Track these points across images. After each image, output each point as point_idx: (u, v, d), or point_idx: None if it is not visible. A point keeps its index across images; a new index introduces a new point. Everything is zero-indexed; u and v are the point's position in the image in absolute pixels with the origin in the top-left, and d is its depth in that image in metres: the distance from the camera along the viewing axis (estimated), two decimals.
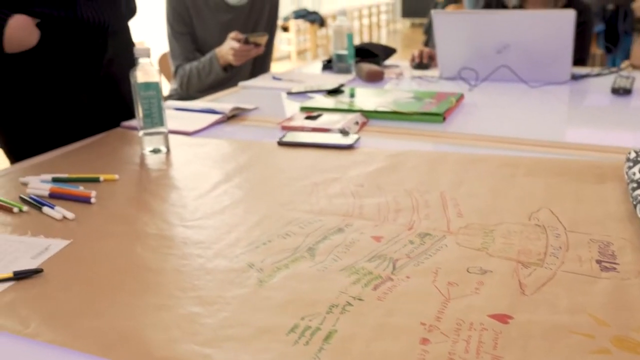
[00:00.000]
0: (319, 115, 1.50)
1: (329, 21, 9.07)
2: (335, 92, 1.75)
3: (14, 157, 1.45)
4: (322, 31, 8.98)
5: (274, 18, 2.42)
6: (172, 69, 2.32)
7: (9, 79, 1.39)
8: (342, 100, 1.66)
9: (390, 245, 0.84)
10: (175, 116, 1.54)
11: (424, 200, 1.00)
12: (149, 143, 1.30)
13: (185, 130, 1.44)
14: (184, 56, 2.29)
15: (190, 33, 2.29)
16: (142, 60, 1.25)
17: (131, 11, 1.54)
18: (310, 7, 9.70)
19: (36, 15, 1.33)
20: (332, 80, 2.00)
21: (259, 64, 2.38)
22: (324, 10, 9.70)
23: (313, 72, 2.25)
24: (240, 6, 2.27)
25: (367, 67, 2.00)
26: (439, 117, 1.46)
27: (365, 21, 10.56)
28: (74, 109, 1.47)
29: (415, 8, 11.64)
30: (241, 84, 2.03)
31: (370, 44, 2.27)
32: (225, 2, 2.26)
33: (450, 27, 1.94)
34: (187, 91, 2.30)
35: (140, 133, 1.30)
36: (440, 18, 1.96)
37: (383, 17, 11.51)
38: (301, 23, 8.34)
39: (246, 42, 2.06)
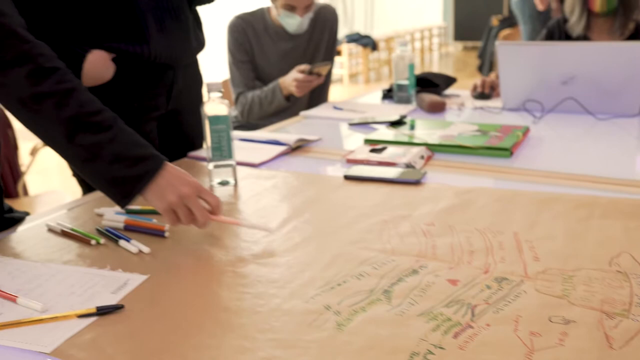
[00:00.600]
0: (383, 148, 1.50)
1: (381, 45, 9.09)
2: (397, 123, 1.75)
3: (87, 185, 1.49)
4: (374, 54, 9.01)
5: (332, 46, 2.44)
6: (233, 96, 2.36)
7: None
8: (405, 132, 1.65)
9: (467, 290, 0.83)
10: (241, 147, 1.56)
11: (498, 241, 0.98)
12: (218, 175, 1.32)
13: (251, 162, 1.46)
14: (245, 84, 2.33)
15: (250, 61, 2.33)
16: (212, 95, 1.28)
17: (200, 44, 1.57)
18: (363, 31, 9.74)
19: (112, 51, 1.37)
20: (393, 110, 2.00)
21: (318, 91, 2.40)
22: (376, 33, 9.73)
23: (373, 101, 2.25)
24: (300, 35, 2.30)
25: (429, 97, 1.99)
26: (506, 152, 1.44)
27: (417, 44, 10.54)
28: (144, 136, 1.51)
29: (468, 31, 11.57)
30: (303, 113, 2.05)
31: (431, 74, 2.27)
32: (286, 31, 2.30)
33: (514, 58, 1.92)
34: (248, 119, 2.33)
35: (209, 165, 1.32)
36: (505, 49, 1.94)
37: (435, 40, 11.48)
38: (353, 47, 8.39)
39: (310, 73, 2.09)
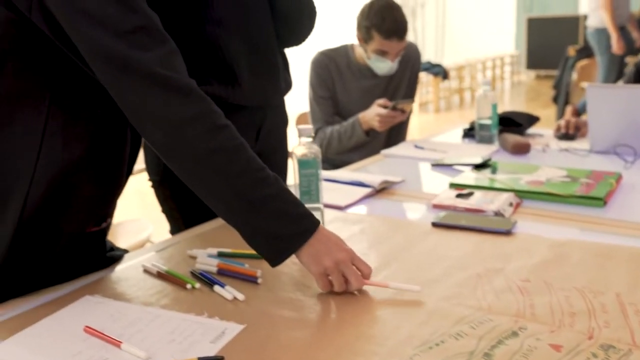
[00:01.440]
0: (470, 194, 1.48)
1: (452, 73, 9.03)
2: (482, 166, 1.73)
3: (178, 223, 1.53)
4: (445, 83, 8.96)
5: (414, 84, 2.44)
6: (313, 130, 2.38)
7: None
8: (491, 176, 1.63)
9: (572, 357, 0.80)
10: (326, 187, 1.57)
11: (599, 302, 0.95)
12: None
13: (337, 205, 1.47)
14: (324, 120, 2.35)
15: (331, 97, 2.35)
16: (303, 139, 1.30)
17: (288, 86, 1.60)
18: (433, 59, 9.72)
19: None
20: (475, 151, 1.98)
21: (397, 127, 2.40)
22: (446, 61, 9.69)
23: (453, 140, 2.23)
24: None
25: (513, 138, 1.96)
26: (600, 201, 1.40)
27: (489, 73, 10.43)
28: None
29: (541, 59, 11.37)
30: (384, 152, 2.05)
31: (513, 113, 2.23)
32: (368, 69, 2.32)
33: (604, 100, 1.87)
34: (326, 153, 2.35)
35: None
36: (594, 91, 1.89)
37: (507, 68, 11.32)
38: (424, 75, 8.37)
39: (393, 108, 2.10)
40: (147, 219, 2.52)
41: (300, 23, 1.55)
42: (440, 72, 8.33)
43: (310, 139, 1.30)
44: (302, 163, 1.29)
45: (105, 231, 1.19)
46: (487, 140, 2.07)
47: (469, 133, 2.23)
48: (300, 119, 2.73)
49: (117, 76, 0.94)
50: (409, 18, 7.73)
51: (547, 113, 7.61)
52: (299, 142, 1.30)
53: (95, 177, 1.07)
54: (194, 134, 0.96)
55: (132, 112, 0.97)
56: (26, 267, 1.05)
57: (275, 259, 1.01)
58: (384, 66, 2.24)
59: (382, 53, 2.21)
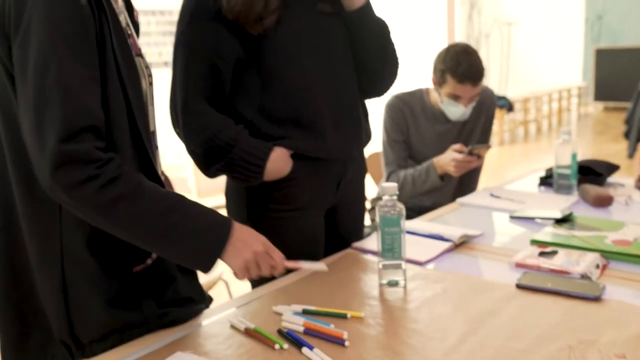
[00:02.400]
0: (553, 252, 1.45)
1: (517, 105, 8.90)
2: (563, 221, 1.69)
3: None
4: (509, 115, 8.83)
5: (488, 129, 2.43)
6: (385, 174, 2.39)
7: (259, 197, 1.50)
8: (573, 232, 1.59)
9: None
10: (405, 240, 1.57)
11: None
12: (387, 275, 1.33)
13: (417, 260, 1.46)
14: (397, 163, 2.35)
15: (405, 141, 2.36)
16: (386, 197, 1.30)
17: (369, 137, 1.62)
18: (497, 90, 9.61)
19: (291, 147, 1.44)
20: (554, 201, 1.94)
21: (470, 171, 2.38)
22: (510, 93, 9.57)
23: (529, 188, 2.20)
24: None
25: (594, 190, 1.92)
26: None
27: (555, 105, 10.23)
28: (313, 228, 1.55)
29: (610, 91, 11.09)
30: (460, 200, 2.03)
31: (592, 161, 2.18)
32: (443, 113, 2.31)
33: None
34: (398, 197, 2.34)
35: (379, 264, 1.34)
36: None
37: (574, 100, 11.09)
38: None
39: (469, 153, 2.09)
40: None
41: (383, 75, 1.57)
42: (505, 104, 8.23)
43: (394, 197, 1.31)
44: (386, 221, 1.30)
45: (156, 268, 1.20)
46: (566, 191, 2.03)
47: (546, 181, 2.19)
48: (372, 159, 2.74)
49: (26, 133, 1.01)
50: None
51: (617, 148, 7.41)
52: (383, 200, 1.31)
53: None
54: (89, 194, 1.01)
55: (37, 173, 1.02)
56: (97, 312, 1.11)
57: (205, 269, 1.12)
58: (456, 111, 2.23)
59: (455, 97, 2.20)
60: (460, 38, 8.84)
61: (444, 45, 7.64)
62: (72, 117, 0.99)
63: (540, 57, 11.09)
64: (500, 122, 8.44)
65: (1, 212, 1.11)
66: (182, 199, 1.10)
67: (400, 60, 1.58)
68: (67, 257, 1.09)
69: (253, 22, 1.34)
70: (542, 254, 1.46)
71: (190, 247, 1.09)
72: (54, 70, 0.98)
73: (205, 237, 1.10)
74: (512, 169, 6.70)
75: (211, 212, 1.13)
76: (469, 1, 9.19)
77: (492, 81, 9.91)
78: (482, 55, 9.47)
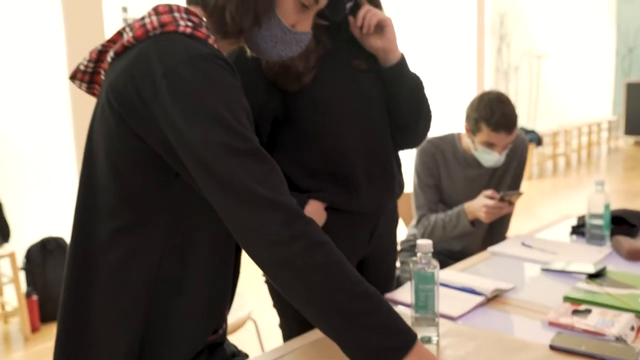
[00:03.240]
0: (587, 311, 1.45)
1: (545, 139, 8.85)
2: (596, 275, 1.69)
3: (296, 320, 1.55)
4: (538, 149, 8.78)
5: (520, 174, 2.43)
6: (416, 217, 2.40)
7: None
8: (607, 288, 1.59)
9: None
10: None
11: None
12: (420, 330, 1.34)
13: (450, 315, 1.47)
14: (428, 207, 2.37)
15: (436, 185, 2.37)
16: (421, 254, 1.32)
17: (401, 188, 1.64)
18: (525, 123, 9.56)
19: (325, 200, 1.47)
20: (586, 252, 1.93)
21: (500, 217, 2.38)
22: (539, 126, 9.51)
23: (561, 237, 2.19)
24: None
25: (628, 243, 1.90)
26: None
27: (584, 139, 10.16)
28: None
29: None
30: (491, 249, 2.03)
31: (626, 211, 2.17)
32: (474, 158, 2.33)
33: None
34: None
35: (412, 318, 1.35)
36: None
37: (604, 134, 10.99)
38: None
39: (501, 199, 2.10)
40: (248, 293, 2.58)
41: (416, 129, 1.59)
42: (534, 138, 8.19)
43: (429, 253, 1.32)
44: (421, 278, 1.31)
45: (223, 339, 1.24)
46: (599, 242, 2.02)
47: (578, 230, 2.18)
48: (402, 200, 2.75)
49: (220, 194, 0.99)
50: (501, 81, 7.60)
51: None
52: (418, 257, 1.32)
53: (209, 279, 1.13)
54: (293, 252, 0.99)
55: (234, 227, 1.01)
56: None
57: None
58: (490, 158, 2.24)
59: (490, 145, 2.22)
60: (489, 70, 8.84)
61: (473, 78, 7.61)
62: (278, 171, 1.02)
63: (570, 90, 11.03)
64: (529, 156, 8.40)
65: (77, 266, 1.09)
66: (376, 291, 1.05)
67: (430, 96, 1.59)
68: (152, 318, 1.08)
69: (291, 81, 1.38)
70: (575, 312, 1.45)
71: (371, 341, 1.01)
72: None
73: (389, 337, 1.02)
74: (541, 205, 6.65)
75: (400, 318, 1.06)
76: (499, 34, 9.20)
77: (521, 114, 9.87)
78: (511, 88, 9.46)
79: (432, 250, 1.32)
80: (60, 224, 3.78)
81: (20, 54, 3.79)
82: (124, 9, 6.25)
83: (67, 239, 3.69)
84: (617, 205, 6.11)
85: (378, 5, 1.49)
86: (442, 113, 6.17)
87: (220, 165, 0.97)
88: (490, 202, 2.15)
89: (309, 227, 1.01)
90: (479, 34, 8.42)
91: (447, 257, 2.44)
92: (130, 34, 1.06)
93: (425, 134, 1.64)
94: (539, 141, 8.38)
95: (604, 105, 11.72)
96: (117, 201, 1.06)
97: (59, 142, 3.73)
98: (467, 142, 2.34)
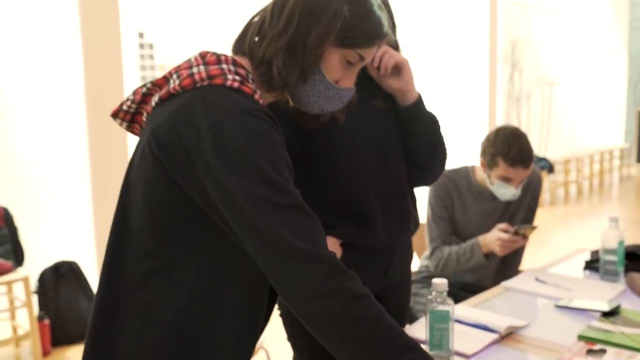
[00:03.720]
0: (602, 351, 1.45)
1: (557, 167, 8.83)
2: (610, 314, 1.68)
3: (310, 355, 1.56)
4: (550, 176, 8.76)
5: (533, 208, 2.43)
6: (429, 250, 2.41)
7: None
8: (622, 328, 1.58)
9: None
10: None
11: None
12: None
13: (464, 353, 1.47)
14: (441, 240, 2.37)
15: (450, 218, 2.38)
16: (436, 293, 1.32)
17: (416, 225, 1.65)
18: (536, 150, 9.55)
19: (340, 237, 1.48)
20: (600, 289, 1.93)
21: (515, 250, 2.38)
22: (550, 154, 9.49)
23: (574, 272, 2.19)
24: None
25: None
26: None
27: (596, 166, 10.13)
28: None
29: None
30: (504, 284, 2.03)
31: (639, 247, 2.17)
32: (488, 191, 2.33)
33: None
34: (441, 273, 2.36)
35: None
36: None
37: (615, 162, 10.96)
38: None
39: (515, 233, 2.11)
40: None
41: (432, 167, 1.60)
42: (545, 166, 8.18)
43: (444, 292, 1.33)
44: (436, 317, 1.32)
45: None
46: (613, 278, 2.02)
47: (592, 265, 2.18)
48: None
49: (261, 247, 1.00)
50: (513, 108, 7.60)
51: None
52: (433, 296, 1.33)
53: (236, 328, 1.13)
54: (335, 306, 0.99)
55: (275, 280, 1.02)
56: None
57: None
58: (507, 192, 2.25)
59: (507, 180, 2.23)
60: (501, 97, 8.86)
61: (485, 104, 7.62)
62: (319, 224, 1.03)
63: (582, 117, 11.02)
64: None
65: (105, 307, 1.10)
66: (417, 343, 1.05)
67: (442, 122, 1.60)
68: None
69: (310, 118, 1.40)
70: (590, 351, 1.45)
71: None
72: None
73: None
74: (552, 233, 6.62)
75: None
76: (511, 61, 9.24)
77: (533, 142, 9.84)
78: (523, 115, 9.48)
79: (447, 289, 1.33)
80: (74, 248, 3.81)
81: (39, 77, 3.85)
82: (141, 35, 6.35)
83: (80, 263, 3.72)
84: (629, 234, 6.08)
85: (396, 47, 1.52)
86: (454, 139, 6.18)
87: (262, 219, 0.98)
88: (505, 236, 2.15)
89: (350, 281, 1.02)
90: (491, 61, 8.46)
91: (459, 289, 2.44)
92: (177, 82, 1.07)
93: (441, 172, 1.66)
94: (550, 169, 8.36)
95: (616, 133, 11.70)
96: (151, 245, 1.07)
97: (74, 167, 3.77)
98: (481, 175, 2.35)
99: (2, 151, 4.07)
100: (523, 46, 9.34)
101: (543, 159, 8.33)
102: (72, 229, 3.86)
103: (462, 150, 6.38)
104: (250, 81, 1.10)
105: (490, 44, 7.98)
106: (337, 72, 1.16)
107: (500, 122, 8.22)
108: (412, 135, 1.54)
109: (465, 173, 2.40)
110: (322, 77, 1.14)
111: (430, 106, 1.57)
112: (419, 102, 1.52)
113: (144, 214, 1.07)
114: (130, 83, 4.71)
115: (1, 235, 3.44)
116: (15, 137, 4.02)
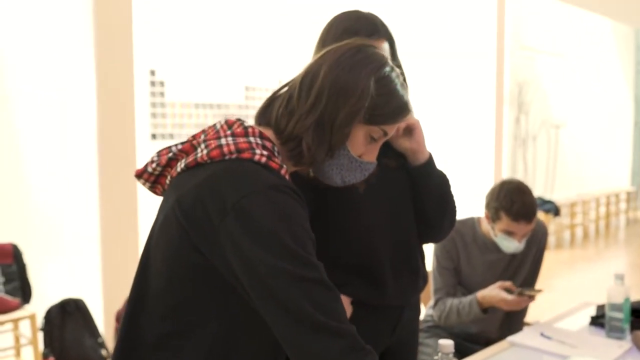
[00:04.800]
0: None
1: (563, 210, 8.83)
2: None
3: None
4: (556, 219, 8.75)
5: (539, 260, 2.45)
6: (433, 300, 2.42)
7: None
8: None
9: None
10: None
11: None
12: None
13: None
14: (446, 290, 2.38)
15: (455, 268, 2.40)
16: (442, 354, 1.34)
17: (425, 281, 1.66)
18: (542, 192, 9.55)
19: (351, 295, 1.50)
20: (605, 346, 1.94)
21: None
22: (556, 196, 9.50)
23: (580, 327, 2.19)
24: None
25: None
26: None
27: (602, 209, 10.12)
28: None
29: None
30: (510, 339, 2.04)
31: None
32: (494, 243, 2.35)
33: None
34: (445, 323, 2.37)
35: None
36: None
37: (622, 205, 10.94)
38: None
39: (520, 294, 2.12)
40: None
41: (442, 225, 1.63)
42: (552, 209, 8.19)
43: (450, 354, 1.34)
44: None
45: None
46: (618, 335, 2.02)
47: (597, 321, 2.18)
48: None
49: (283, 320, 1.02)
50: (519, 150, 7.62)
51: None
52: (439, 356, 1.34)
53: None
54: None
55: (293, 352, 1.03)
56: None
57: None
58: (510, 245, 2.27)
59: (509, 233, 2.25)
60: (507, 139, 8.90)
61: (491, 146, 7.64)
62: (340, 299, 1.05)
63: (588, 160, 11.06)
64: (547, 226, 8.36)
65: None
66: None
67: (448, 165, 1.63)
68: None
69: (305, 166, 1.43)
70: None
71: None
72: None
73: None
74: (558, 277, 6.59)
75: None
76: (517, 103, 9.31)
77: (539, 184, 9.88)
78: (529, 157, 9.51)
79: (453, 350, 1.34)
80: (81, 286, 3.82)
81: (52, 115, 3.91)
82: (152, 72, 6.45)
83: (87, 300, 3.73)
84: (635, 279, 6.05)
85: None
86: (460, 181, 6.21)
87: (285, 293, 1.00)
88: (509, 298, 2.17)
89: (369, 356, 1.04)
90: (497, 103, 8.53)
91: (464, 339, 2.44)
92: (205, 152, 1.10)
93: (450, 230, 1.68)
94: (556, 211, 8.36)
95: (622, 176, 11.71)
96: (170, 307, 1.09)
97: (83, 205, 3.81)
98: (486, 226, 2.38)
99: (14, 189, 4.12)
100: (530, 89, 9.43)
101: (549, 202, 8.34)
102: (80, 266, 3.88)
103: (468, 193, 6.40)
104: (276, 155, 1.13)
105: (497, 86, 8.07)
106: (361, 147, 1.19)
107: (506, 164, 8.27)
108: (423, 193, 1.57)
109: (471, 224, 2.43)
110: (347, 152, 1.17)
111: (436, 148, 1.60)
112: (429, 161, 1.55)
113: (165, 276, 1.09)
114: (141, 121, 4.78)
115: (10, 272, 3.46)
116: (28, 175, 4.08)
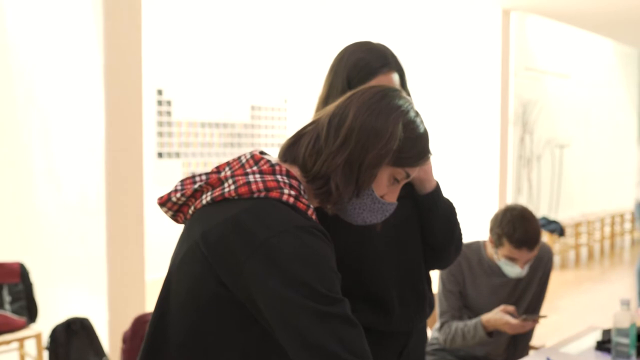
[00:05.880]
0: None
1: (568, 230, 8.83)
2: None
3: None
4: (561, 239, 8.74)
5: (544, 284, 2.46)
6: (438, 323, 2.43)
7: None
8: None
9: None
10: None
11: None
12: None
13: None
14: (451, 314, 2.39)
15: (460, 292, 2.41)
16: None
17: (431, 308, 1.67)
18: (546, 212, 9.55)
19: (358, 321, 1.51)
20: None
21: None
22: (561, 216, 9.49)
23: (586, 352, 2.20)
24: None
25: None
26: None
27: (607, 230, 10.10)
28: None
29: None
30: None
31: None
32: (499, 267, 2.36)
33: None
34: (451, 346, 2.37)
35: None
36: None
37: (627, 225, 10.92)
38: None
39: (524, 320, 2.13)
40: None
41: (448, 252, 1.64)
42: (556, 229, 8.19)
43: None
44: None
45: None
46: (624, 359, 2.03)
47: (603, 346, 2.18)
48: None
49: (307, 357, 1.03)
50: (523, 170, 7.63)
51: None
52: None
53: None
54: None
55: None
56: None
57: None
58: (512, 270, 2.29)
59: (512, 259, 2.26)
60: (512, 159, 8.91)
61: (496, 166, 7.65)
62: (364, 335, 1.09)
63: (593, 180, 11.06)
64: (551, 247, 8.36)
65: None
66: None
67: (452, 185, 1.64)
68: None
69: (331, 205, 1.45)
70: None
71: None
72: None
73: None
74: (563, 297, 6.57)
75: None
76: (522, 123, 9.34)
77: (543, 204, 9.88)
78: (533, 176, 9.52)
79: None
80: (86, 305, 3.83)
81: (59, 135, 3.94)
82: (159, 92, 6.50)
83: (93, 319, 3.74)
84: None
85: None
86: (465, 203, 6.22)
87: (310, 331, 1.02)
88: (514, 322, 2.18)
89: None
90: (502, 123, 8.57)
91: None
92: (233, 187, 1.11)
93: (456, 257, 1.69)
94: (561, 231, 8.36)
95: (628, 196, 11.69)
96: (190, 337, 1.10)
97: (90, 224, 3.83)
98: (492, 250, 2.39)
99: (21, 208, 4.15)
100: (534, 108, 9.46)
101: (554, 222, 8.34)
102: (86, 285, 3.89)
103: (472, 213, 6.41)
104: (303, 193, 1.14)
105: (501, 106, 8.11)
106: (384, 188, 1.21)
107: (511, 183, 8.28)
108: (430, 221, 1.58)
109: (476, 248, 2.44)
110: (371, 192, 1.19)
111: (440, 166, 1.61)
112: (437, 190, 1.57)
113: (186, 307, 1.10)
114: (148, 139, 4.80)
115: (16, 291, 3.48)
116: (35, 194, 4.10)
